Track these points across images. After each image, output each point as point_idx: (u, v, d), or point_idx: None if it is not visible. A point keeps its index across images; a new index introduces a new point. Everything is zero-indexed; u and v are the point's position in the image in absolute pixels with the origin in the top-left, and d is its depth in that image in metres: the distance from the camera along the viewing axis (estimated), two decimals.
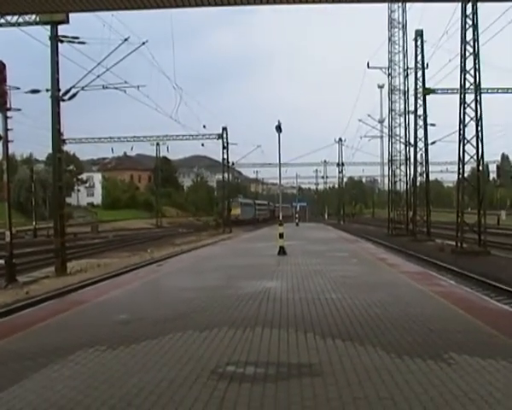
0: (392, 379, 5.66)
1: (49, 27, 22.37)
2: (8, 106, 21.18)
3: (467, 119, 28.67)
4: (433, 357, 6.45)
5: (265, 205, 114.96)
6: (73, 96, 24.22)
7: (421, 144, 43.69)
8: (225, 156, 64.99)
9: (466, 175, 30.70)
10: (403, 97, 46.70)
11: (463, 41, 28.39)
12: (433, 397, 5.11)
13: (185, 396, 5.29)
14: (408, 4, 42.96)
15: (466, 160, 29.03)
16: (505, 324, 8.35)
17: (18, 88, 25.64)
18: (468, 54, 28.38)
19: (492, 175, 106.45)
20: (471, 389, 5.30)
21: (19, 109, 23.42)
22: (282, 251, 22.05)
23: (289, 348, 7.02)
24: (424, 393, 5.23)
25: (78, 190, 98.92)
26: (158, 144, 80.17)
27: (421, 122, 43.36)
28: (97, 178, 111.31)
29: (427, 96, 42.95)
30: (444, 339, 7.35)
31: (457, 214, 29.95)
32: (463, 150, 28.81)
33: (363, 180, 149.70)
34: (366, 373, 5.88)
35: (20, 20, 22.05)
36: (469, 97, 28.67)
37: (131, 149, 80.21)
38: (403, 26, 45.63)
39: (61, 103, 23.24)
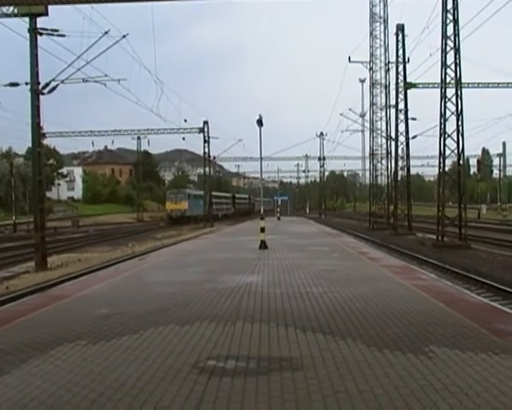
0: (372, 372, 5.69)
1: (27, 19, 22.04)
2: None
3: (447, 113, 28.90)
4: (414, 350, 6.49)
5: (227, 198, 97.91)
6: (53, 89, 23.95)
7: (402, 138, 44.14)
8: (207, 150, 64.81)
9: (447, 169, 30.98)
10: (384, 91, 46.95)
11: (444, 36, 28.58)
12: (414, 390, 5.14)
13: (166, 390, 5.27)
14: None
15: (447, 154, 29.28)
16: (485, 317, 8.42)
17: None
18: (448, 48, 28.60)
19: (473, 169, 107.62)
20: (451, 382, 5.34)
21: None
22: (263, 245, 22.09)
23: (270, 342, 7.02)
24: (404, 386, 5.26)
25: (59, 185, 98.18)
26: (139, 138, 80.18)
27: (402, 116, 43.77)
28: (78, 172, 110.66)
29: (409, 91, 43.28)
30: (424, 332, 7.40)
31: (438, 208, 30.19)
32: (444, 144, 29.03)
33: (345, 174, 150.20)
34: (347, 367, 5.91)
35: None
36: (450, 92, 28.92)
37: (112, 142, 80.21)
38: (384, 21, 45.83)
39: (41, 97, 22.96)
